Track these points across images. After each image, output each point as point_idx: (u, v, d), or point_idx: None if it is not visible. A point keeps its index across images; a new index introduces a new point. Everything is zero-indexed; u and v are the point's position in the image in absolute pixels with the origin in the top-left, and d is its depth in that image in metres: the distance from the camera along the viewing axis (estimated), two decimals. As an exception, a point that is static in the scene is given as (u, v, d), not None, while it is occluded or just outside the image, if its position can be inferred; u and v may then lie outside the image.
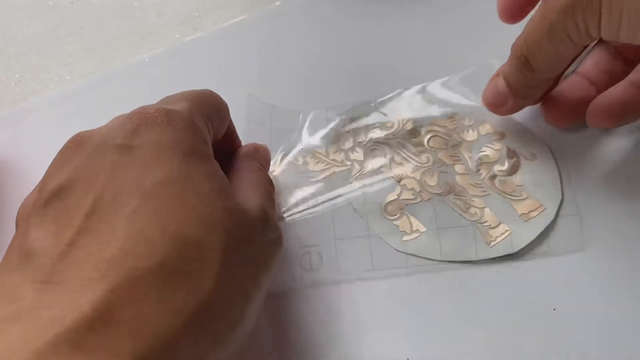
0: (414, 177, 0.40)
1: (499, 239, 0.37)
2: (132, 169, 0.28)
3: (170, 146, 0.29)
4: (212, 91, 0.35)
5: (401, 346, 0.35)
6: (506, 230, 0.37)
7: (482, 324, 0.35)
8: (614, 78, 0.38)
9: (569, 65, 0.36)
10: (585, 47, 0.34)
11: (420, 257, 0.37)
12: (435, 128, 0.42)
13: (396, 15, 0.48)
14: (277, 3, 0.52)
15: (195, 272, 0.26)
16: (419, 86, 0.44)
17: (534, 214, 0.37)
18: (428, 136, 0.42)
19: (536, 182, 0.39)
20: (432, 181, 0.40)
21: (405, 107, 0.43)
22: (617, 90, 0.37)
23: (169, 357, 0.24)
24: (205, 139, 0.31)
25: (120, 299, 0.24)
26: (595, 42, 0.38)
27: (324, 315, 0.36)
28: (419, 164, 0.41)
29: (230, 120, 0.37)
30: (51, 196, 0.28)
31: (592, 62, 0.40)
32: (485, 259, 0.36)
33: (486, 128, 0.41)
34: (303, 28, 0.50)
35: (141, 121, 0.30)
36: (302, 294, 0.37)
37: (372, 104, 0.44)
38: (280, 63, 0.48)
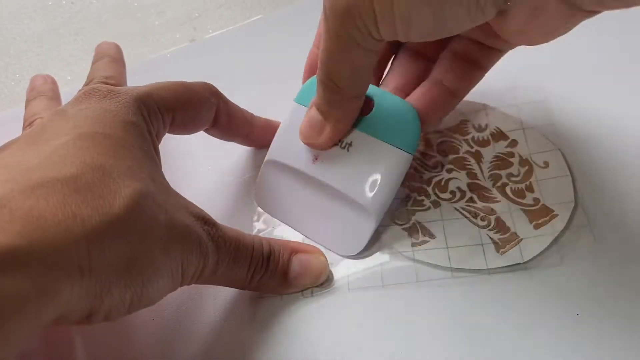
0: (424, 184, 0.38)
1: (508, 247, 0.34)
2: (74, 119, 0.30)
3: (112, 111, 0.31)
4: (185, 82, 0.36)
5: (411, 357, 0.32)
6: (516, 239, 0.34)
7: (496, 335, 0.32)
8: (422, 80, 0.36)
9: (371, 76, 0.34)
10: (377, 52, 0.32)
11: (429, 263, 0.35)
12: (447, 134, 0.40)
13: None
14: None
15: (109, 196, 0.26)
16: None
17: (546, 221, 0.35)
18: (438, 142, 0.39)
19: (548, 190, 0.36)
20: (442, 188, 0.37)
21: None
22: (419, 93, 0.36)
23: (59, 256, 0.24)
24: (149, 119, 0.33)
25: (20, 195, 0.24)
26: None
27: (330, 322, 0.34)
28: (429, 170, 0.38)
29: (233, 109, 0.39)
30: None
31: (397, 71, 0.38)
32: (496, 268, 0.34)
33: (499, 135, 0.39)
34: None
35: (89, 92, 0.32)
36: (309, 302, 0.35)
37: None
38: (288, 65, 0.46)
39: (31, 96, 0.43)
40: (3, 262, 0.22)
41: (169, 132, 0.35)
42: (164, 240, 0.28)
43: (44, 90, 0.43)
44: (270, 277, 0.34)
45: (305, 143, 0.36)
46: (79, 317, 0.26)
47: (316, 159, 0.36)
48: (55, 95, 0.43)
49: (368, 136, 0.35)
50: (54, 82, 0.44)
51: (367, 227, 0.36)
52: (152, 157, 0.32)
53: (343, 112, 0.35)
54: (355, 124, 0.36)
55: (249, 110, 0.40)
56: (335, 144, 0.36)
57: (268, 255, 0.34)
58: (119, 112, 0.31)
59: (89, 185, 0.26)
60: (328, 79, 0.32)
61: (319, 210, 0.37)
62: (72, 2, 0.56)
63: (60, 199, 0.25)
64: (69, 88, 0.47)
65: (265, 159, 0.39)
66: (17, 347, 0.23)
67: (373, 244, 0.36)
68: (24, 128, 0.39)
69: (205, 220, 0.32)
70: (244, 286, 0.34)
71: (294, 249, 0.35)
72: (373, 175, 0.35)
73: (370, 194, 0.35)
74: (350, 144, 0.36)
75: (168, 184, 0.32)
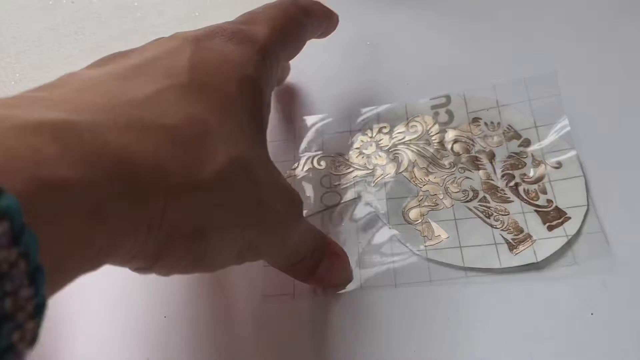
0: (436, 183, 0.37)
1: (522, 248, 0.34)
2: (191, 57, 0.28)
3: (232, 62, 0.29)
4: (295, 17, 0.34)
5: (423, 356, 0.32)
6: (530, 239, 0.34)
7: (509, 334, 0.32)
8: None
9: None
10: None
11: (442, 262, 0.34)
12: (459, 133, 0.39)
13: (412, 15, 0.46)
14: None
15: (202, 157, 0.25)
16: (444, 93, 0.41)
17: (559, 223, 0.34)
18: (452, 141, 0.39)
19: (561, 191, 0.35)
20: (455, 187, 0.37)
21: (429, 113, 0.40)
22: None
23: (135, 207, 0.22)
24: (270, 73, 0.31)
25: (116, 129, 0.22)
26: None
27: (341, 320, 0.34)
28: (442, 169, 0.38)
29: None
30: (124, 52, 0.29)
31: None
32: (509, 268, 0.33)
33: (511, 134, 0.38)
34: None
35: (215, 31, 0.30)
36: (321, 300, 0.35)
37: (395, 109, 0.41)
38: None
39: None
40: (82, 205, 0.20)
41: None
42: (242, 219, 0.26)
43: None
44: (302, 267, 0.33)
45: None
46: (128, 266, 0.24)
47: None
48: None
49: None
50: None
51: None
52: (260, 120, 0.30)
53: None
54: None
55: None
56: None
57: (313, 250, 0.33)
58: (239, 64, 0.29)
59: (185, 141, 0.24)
60: None
61: None
62: (72, 2, 0.55)
63: (153, 147, 0.23)
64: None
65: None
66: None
67: (386, 243, 0.36)
68: None
69: (294, 203, 0.30)
70: (279, 268, 0.33)
71: (329, 251, 0.34)
72: None
73: None
74: None
75: (267, 154, 0.30)
